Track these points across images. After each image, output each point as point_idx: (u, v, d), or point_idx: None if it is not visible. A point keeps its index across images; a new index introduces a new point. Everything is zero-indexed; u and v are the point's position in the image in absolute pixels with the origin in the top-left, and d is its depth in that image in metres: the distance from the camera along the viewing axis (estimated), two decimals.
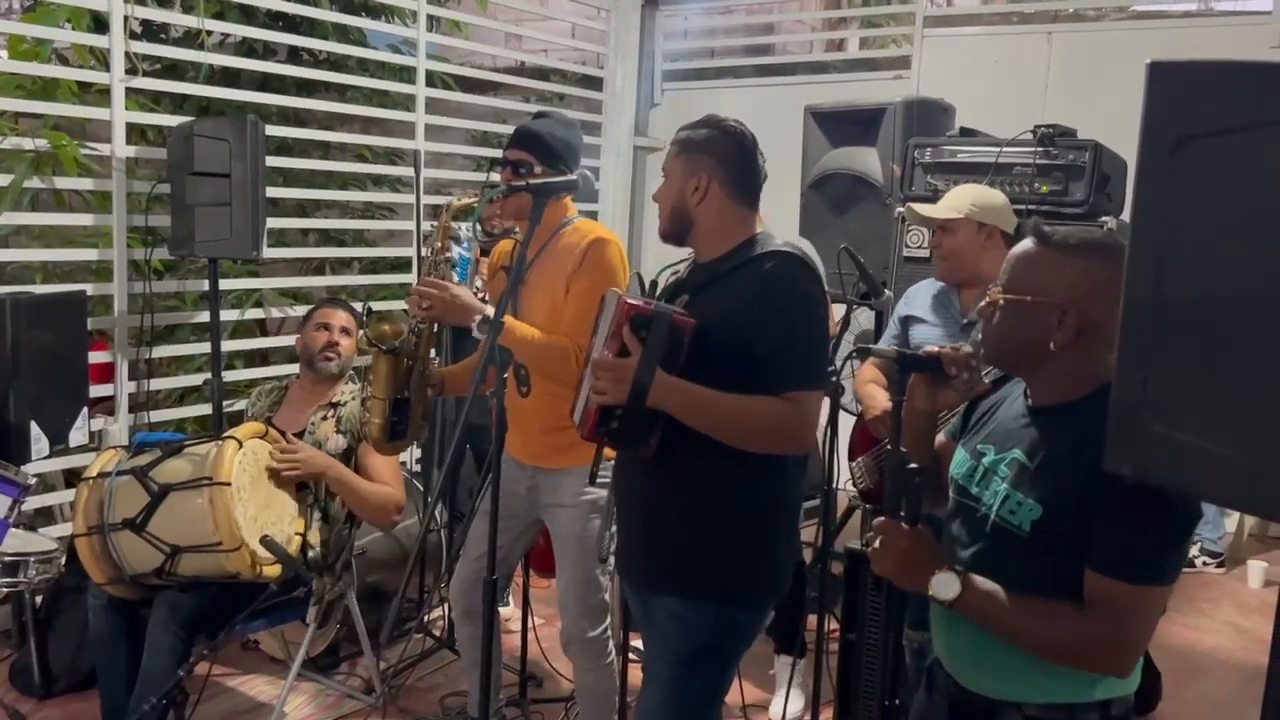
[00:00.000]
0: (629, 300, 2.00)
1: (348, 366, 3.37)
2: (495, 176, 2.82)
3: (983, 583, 1.55)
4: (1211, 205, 1.17)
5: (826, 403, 2.61)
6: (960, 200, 2.79)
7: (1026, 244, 1.65)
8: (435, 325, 2.70)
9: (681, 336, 1.98)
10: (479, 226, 3.88)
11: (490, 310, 2.43)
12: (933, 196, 3.35)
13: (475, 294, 2.67)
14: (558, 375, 2.52)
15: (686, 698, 2.13)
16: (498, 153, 2.84)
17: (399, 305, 5.22)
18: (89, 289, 3.73)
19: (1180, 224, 1.20)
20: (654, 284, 2.24)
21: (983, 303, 1.69)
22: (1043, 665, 1.56)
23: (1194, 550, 5.00)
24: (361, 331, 2.71)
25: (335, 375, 3.34)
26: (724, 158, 2.11)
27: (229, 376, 4.23)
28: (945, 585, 1.55)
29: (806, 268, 2.08)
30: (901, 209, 3.65)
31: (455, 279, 3.58)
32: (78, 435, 3.34)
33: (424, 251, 3.11)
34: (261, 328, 5.16)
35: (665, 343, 1.96)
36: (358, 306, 3.45)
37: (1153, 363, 1.24)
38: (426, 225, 4.76)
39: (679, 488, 2.09)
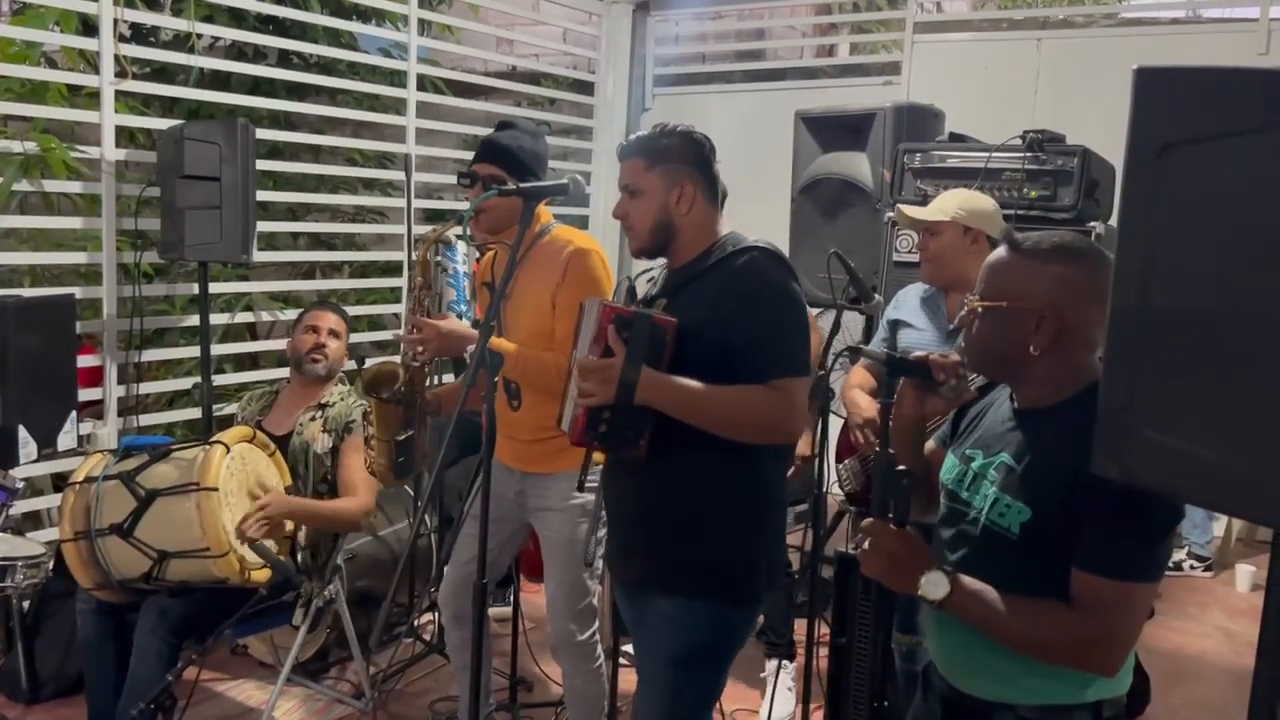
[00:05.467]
0: (609, 304, 2.03)
1: (336, 368, 3.37)
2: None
3: (971, 582, 1.57)
4: (1197, 211, 1.17)
5: (817, 408, 2.62)
6: (948, 204, 2.81)
7: (1000, 251, 1.68)
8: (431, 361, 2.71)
9: (664, 336, 1.99)
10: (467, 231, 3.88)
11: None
12: (922, 201, 3.36)
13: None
14: (554, 390, 2.53)
15: (684, 699, 2.14)
16: None
17: (390, 310, 5.24)
18: (78, 292, 3.71)
19: (1166, 230, 1.20)
20: (631, 289, 2.25)
21: (963, 311, 1.70)
22: (1035, 667, 1.57)
23: (1182, 554, 5.02)
24: (357, 379, 2.72)
25: (323, 377, 3.33)
26: (699, 164, 2.12)
27: (218, 380, 4.22)
28: (934, 585, 1.56)
29: (778, 260, 2.09)
30: (892, 213, 3.67)
31: (452, 294, 3.59)
32: (66, 439, 3.33)
33: (409, 284, 3.12)
34: (251, 331, 5.14)
35: (648, 342, 1.97)
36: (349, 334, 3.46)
37: (1139, 367, 1.24)
38: (417, 230, 4.76)
39: (667, 489, 2.09)
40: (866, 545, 1.64)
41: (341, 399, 3.31)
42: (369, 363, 2.76)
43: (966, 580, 1.57)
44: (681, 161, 2.12)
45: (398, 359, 2.74)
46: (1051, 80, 5.16)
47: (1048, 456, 1.57)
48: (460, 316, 3.48)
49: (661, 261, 2.24)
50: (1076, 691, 1.59)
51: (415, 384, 2.65)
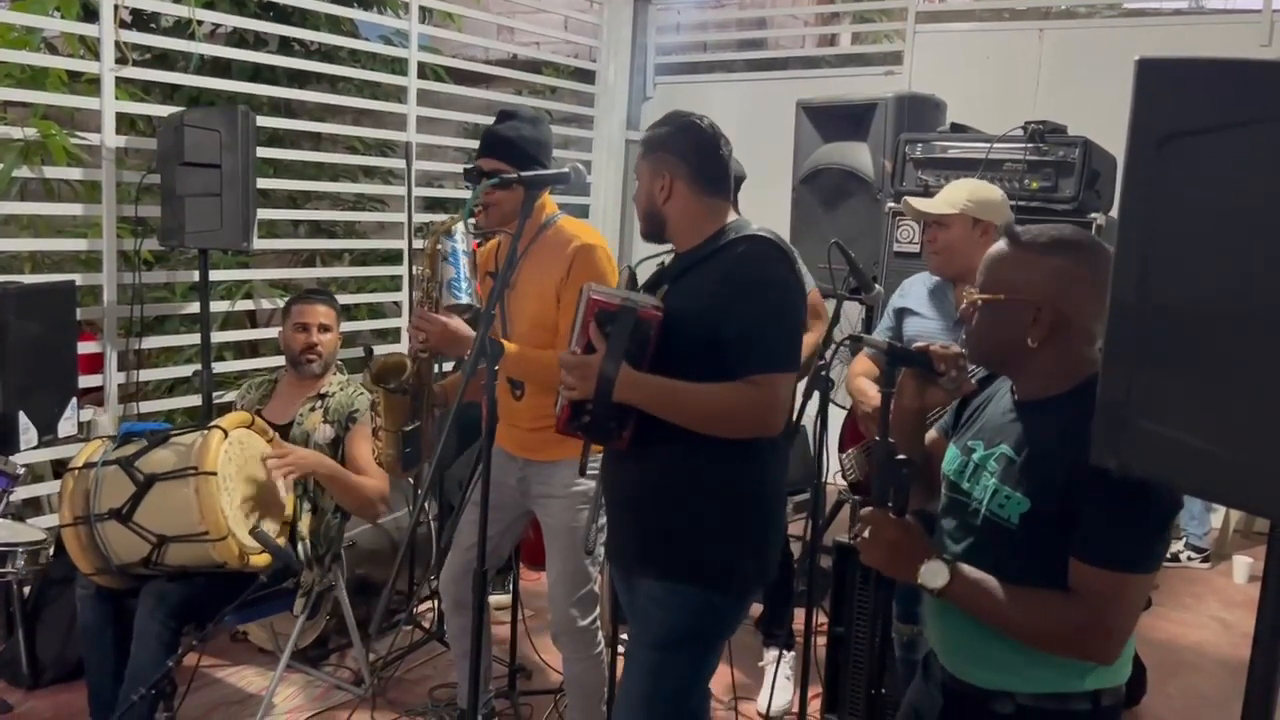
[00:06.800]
0: (595, 295, 2.03)
1: (331, 361, 3.37)
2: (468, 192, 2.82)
3: (971, 571, 1.57)
4: (1197, 202, 1.17)
5: (817, 397, 2.62)
6: (956, 195, 2.78)
7: (1000, 244, 1.69)
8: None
9: (648, 331, 2.01)
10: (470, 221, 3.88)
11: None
12: (923, 192, 3.35)
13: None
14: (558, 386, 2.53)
15: (666, 682, 2.15)
16: None
17: (390, 297, 5.24)
18: (78, 279, 3.71)
19: (1166, 221, 1.20)
20: (633, 275, 2.26)
21: (964, 304, 1.71)
22: (1034, 656, 1.58)
23: (1180, 546, 5.04)
24: (365, 369, 2.73)
25: (318, 374, 3.33)
26: (685, 153, 2.13)
27: (218, 368, 4.22)
28: (934, 574, 1.57)
29: (778, 250, 2.09)
30: (892, 204, 3.67)
31: (451, 272, 3.59)
32: (66, 426, 3.33)
33: (415, 269, 3.12)
34: (251, 319, 5.14)
35: (629, 337, 1.99)
36: (354, 330, 3.44)
37: (1138, 359, 1.24)
38: (418, 218, 4.76)
39: (657, 475, 2.11)
40: (866, 534, 1.64)
41: (341, 388, 3.31)
42: (377, 352, 2.77)
43: (966, 569, 1.57)
44: (666, 150, 2.15)
45: (403, 350, 2.74)
46: (1053, 71, 5.15)
47: (1047, 448, 1.58)
48: (459, 293, 3.47)
49: (669, 246, 2.25)
50: (1075, 680, 1.60)
51: (422, 375, 2.66)
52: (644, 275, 2.28)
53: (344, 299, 4.50)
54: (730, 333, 2.00)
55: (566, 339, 2.48)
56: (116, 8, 3.80)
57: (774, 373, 2.02)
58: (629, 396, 2.00)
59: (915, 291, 2.95)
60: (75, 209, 4.12)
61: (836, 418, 3.14)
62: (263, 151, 4.19)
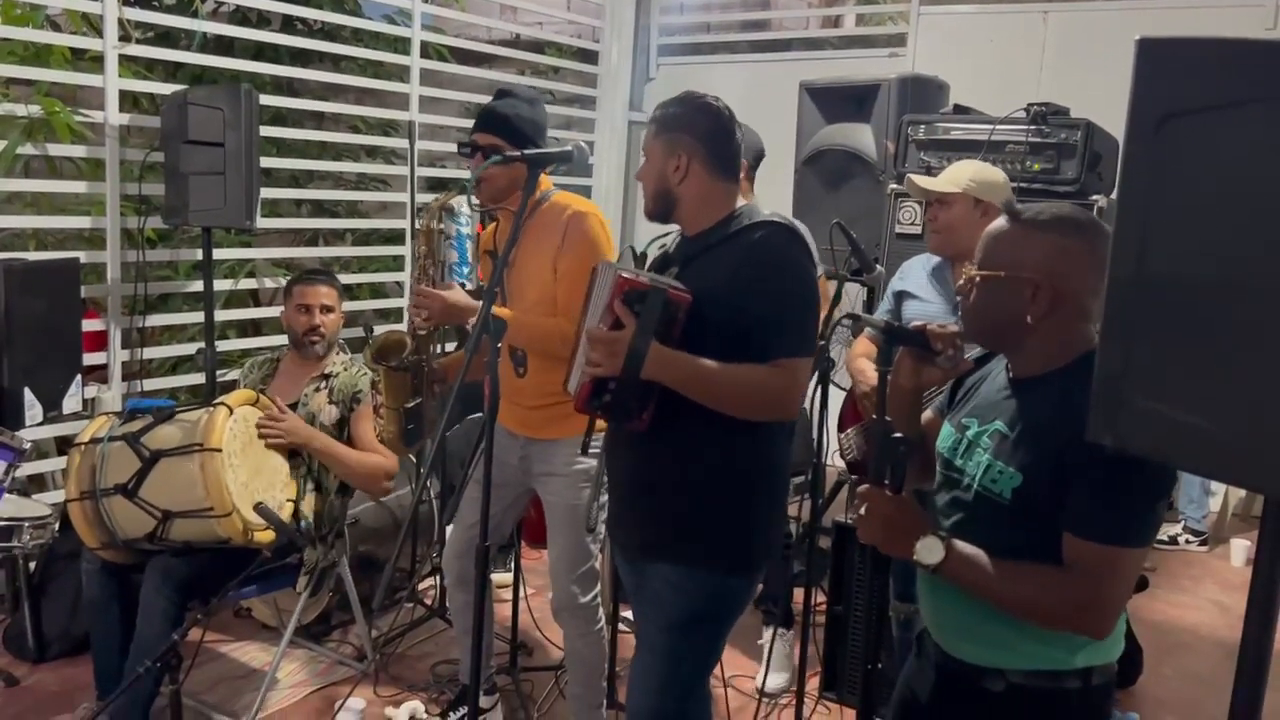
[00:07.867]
0: (624, 274, 2.00)
1: (334, 341, 3.38)
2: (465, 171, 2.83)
3: (966, 547, 1.59)
4: (1195, 182, 1.18)
5: (816, 377, 2.63)
6: (959, 175, 2.79)
7: (1000, 221, 1.69)
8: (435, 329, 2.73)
9: (676, 313, 1.99)
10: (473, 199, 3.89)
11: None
12: (926, 173, 3.36)
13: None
14: (557, 355, 2.54)
15: (681, 665, 2.17)
16: None
17: (392, 277, 5.25)
18: (82, 257, 3.72)
19: (1165, 200, 1.21)
20: (642, 256, 2.25)
21: (961, 280, 1.72)
22: (1026, 632, 1.59)
23: (1178, 529, 5.06)
24: (365, 348, 2.74)
25: (322, 355, 3.35)
26: (702, 135, 2.11)
27: (222, 346, 4.24)
28: (929, 550, 1.58)
29: (794, 236, 2.09)
30: (895, 185, 3.67)
31: (454, 256, 3.61)
32: (71, 402, 3.35)
33: (414, 250, 3.13)
34: (254, 298, 5.16)
35: (659, 317, 1.97)
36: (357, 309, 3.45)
37: (1135, 337, 1.25)
38: (420, 198, 4.76)
39: (669, 458, 2.11)
40: (863, 510, 1.66)
41: (345, 368, 3.32)
42: (377, 330, 2.79)
43: (961, 545, 1.59)
44: (682, 131, 2.12)
45: (404, 327, 2.76)
46: (1057, 54, 5.15)
47: (1040, 423, 1.59)
48: (461, 278, 3.49)
49: (674, 228, 2.24)
50: (1066, 657, 1.61)
51: (422, 351, 2.68)
52: (652, 254, 2.27)
53: (346, 279, 4.51)
54: (749, 319, 1.99)
55: (566, 309, 2.49)
56: None
57: (795, 358, 2.02)
58: (658, 374, 1.98)
59: (915, 274, 2.96)
60: (79, 187, 4.13)
61: (836, 398, 3.16)
62: (266, 130, 4.19)
